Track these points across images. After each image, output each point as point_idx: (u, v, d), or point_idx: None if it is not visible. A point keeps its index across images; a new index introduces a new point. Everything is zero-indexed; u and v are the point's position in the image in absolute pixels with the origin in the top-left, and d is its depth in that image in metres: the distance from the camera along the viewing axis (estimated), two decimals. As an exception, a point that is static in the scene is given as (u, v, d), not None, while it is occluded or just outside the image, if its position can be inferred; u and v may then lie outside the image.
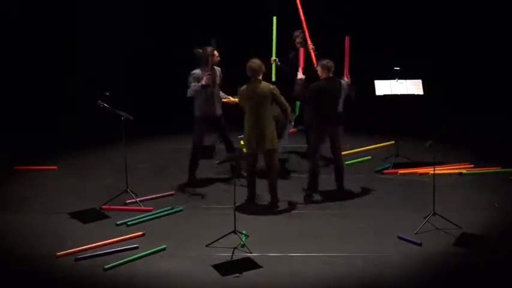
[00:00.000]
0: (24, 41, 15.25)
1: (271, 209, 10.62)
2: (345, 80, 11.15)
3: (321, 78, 10.83)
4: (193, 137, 11.37)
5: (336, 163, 11.08)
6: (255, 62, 10.54)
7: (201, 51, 11.29)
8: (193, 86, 11.06)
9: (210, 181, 11.66)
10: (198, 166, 11.42)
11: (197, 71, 11.17)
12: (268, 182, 10.73)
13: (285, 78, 12.15)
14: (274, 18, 11.94)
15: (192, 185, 11.38)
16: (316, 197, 10.97)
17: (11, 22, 15.16)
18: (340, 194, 11.03)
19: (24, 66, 15.17)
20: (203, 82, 10.99)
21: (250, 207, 10.67)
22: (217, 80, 11.32)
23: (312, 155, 10.98)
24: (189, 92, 11.13)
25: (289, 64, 12.21)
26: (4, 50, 15.08)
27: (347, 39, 11.30)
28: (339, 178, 11.12)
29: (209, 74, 11.00)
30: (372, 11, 15.45)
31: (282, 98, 10.57)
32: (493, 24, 15.25)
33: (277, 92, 10.54)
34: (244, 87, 10.64)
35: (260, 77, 10.56)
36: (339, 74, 11.08)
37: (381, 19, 15.37)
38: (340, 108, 10.86)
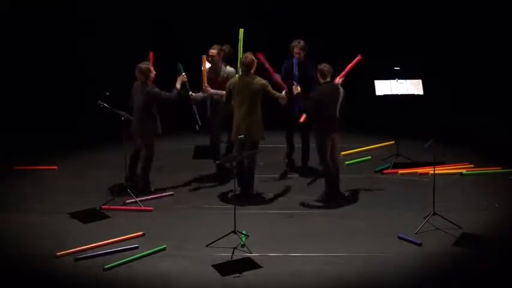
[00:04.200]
0: (24, 41, 15.24)
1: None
2: (336, 81, 11.17)
3: (320, 83, 10.83)
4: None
5: (333, 165, 11.03)
6: (247, 57, 10.79)
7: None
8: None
9: (209, 180, 11.66)
10: None
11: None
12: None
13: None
14: (241, 30, 11.59)
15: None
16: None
17: (11, 22, 15.15)
18: (338, 195, 11.03)
19: (24, 66, 15.16)
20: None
21: (248, 204, 10.71)
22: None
23: (324, 164, 10.84)
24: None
25: (284, 73, 11.82)
26: (4, 50, 15.07)
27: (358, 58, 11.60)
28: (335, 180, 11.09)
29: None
30: (372, 11, 15.46)
31: (273, 91, 10.86)
32: (494, 23, 15.23)
33: (268, 87, 10.81)
34: (235, 79, 10.90)
35: (252, 71, 10.77)
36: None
37: (381, 19, 15.37)
38: (337, 113, 10.85)
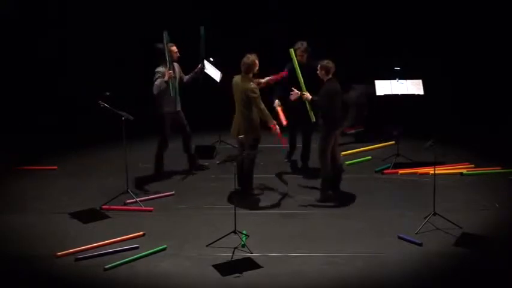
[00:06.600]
0: (24, 41, 15.25)
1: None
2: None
3: (325, 80, 10.76)
4: (165, 132, 11.54)
5: (335, 164, 11.02)
6: (248, 58, 10.71)
7: (161, 46, 11.31)
8: (157, 82, 11.21)
9: (210, 180, 11.67)
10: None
11: (161, 69, 11.30)
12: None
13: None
14: (291, 50, 11.17)
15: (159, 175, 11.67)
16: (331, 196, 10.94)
17: (9, 22, 15.15)
18: (339, 194, 11.03)
19: (24, 66, 15.17)
20: (166, 78, 11.20)
21: (248, 204, 10.71)
22: (177, 76, 11.48)
23: (323, 159, 10.81)
24: (155, 89, 11.24)
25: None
26: (3, 50, 15.07)
27: None
28: (337, 179, 11.09)
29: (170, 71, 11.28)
30: (373, 10, 15.46)
31: (258, 101, 10.62)
32: (494, 24, 15.23)
33: (254, 94, 10.60)
34: (235, 77, 10.89)
35: (250, 74, 10.69)
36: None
37: (381, 18, 15.37)
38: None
